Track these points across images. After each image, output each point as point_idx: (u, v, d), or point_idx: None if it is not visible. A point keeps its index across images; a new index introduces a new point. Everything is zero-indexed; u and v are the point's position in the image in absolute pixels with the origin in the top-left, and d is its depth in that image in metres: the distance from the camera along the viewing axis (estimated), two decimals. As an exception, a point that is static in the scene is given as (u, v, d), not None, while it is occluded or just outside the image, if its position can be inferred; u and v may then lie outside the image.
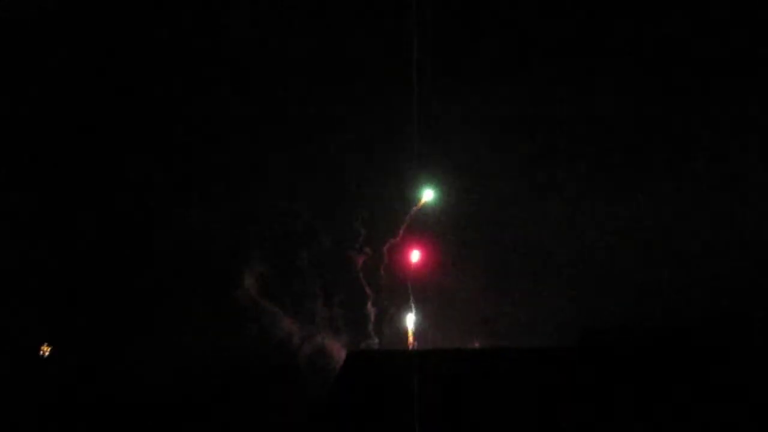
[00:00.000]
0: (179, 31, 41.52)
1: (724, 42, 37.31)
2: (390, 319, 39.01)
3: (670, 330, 29.78)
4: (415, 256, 38.58)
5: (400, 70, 36.91)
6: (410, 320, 38.70)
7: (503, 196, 38.07)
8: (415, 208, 39.01)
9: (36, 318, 40.24)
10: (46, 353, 40.70)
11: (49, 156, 41.86)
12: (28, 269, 40.73)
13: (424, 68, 36.33)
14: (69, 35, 41.66)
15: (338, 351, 38.45)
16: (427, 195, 39.04)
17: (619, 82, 38.99)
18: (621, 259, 36.67)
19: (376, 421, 27.66)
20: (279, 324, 39.39)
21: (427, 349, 34.91)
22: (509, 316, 36.45)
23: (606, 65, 38.87)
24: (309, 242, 40.23)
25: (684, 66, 38.49)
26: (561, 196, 37.96)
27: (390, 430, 27.28)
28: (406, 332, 38.03)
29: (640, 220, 36.95)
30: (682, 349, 28.48)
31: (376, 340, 39.20)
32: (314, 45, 40.68)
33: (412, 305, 38.57)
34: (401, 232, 39.79)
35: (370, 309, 39.24)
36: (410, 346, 37.65)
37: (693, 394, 26.51)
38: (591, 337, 30.08)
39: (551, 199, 37.85)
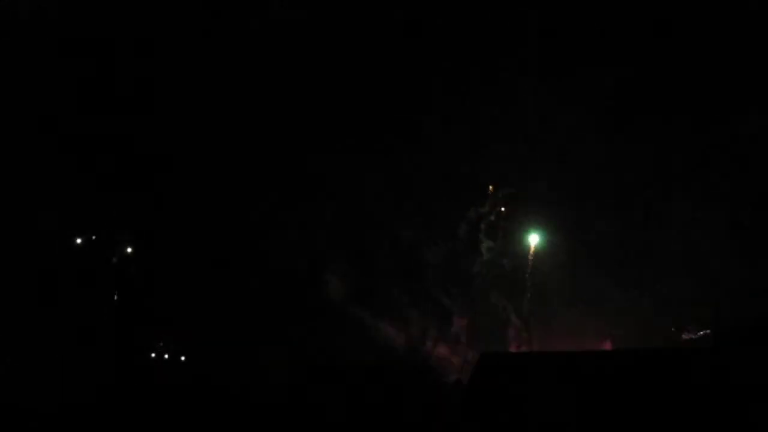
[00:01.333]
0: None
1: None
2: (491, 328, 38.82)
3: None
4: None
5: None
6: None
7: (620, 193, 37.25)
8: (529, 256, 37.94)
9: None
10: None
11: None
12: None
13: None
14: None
15: (446, 355, 38.34)
16: (533, 239, 37.86)
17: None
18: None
19: (513, 425, 27.61)
20: (379, 329, 39.43)
21: (560, 351, 34.67)
22: (637, 316, 35.98)
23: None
24: (409, 247, 40.05)
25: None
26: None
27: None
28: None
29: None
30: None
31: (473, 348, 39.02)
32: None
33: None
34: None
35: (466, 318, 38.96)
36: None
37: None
38: (726, 336, 29.53)
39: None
